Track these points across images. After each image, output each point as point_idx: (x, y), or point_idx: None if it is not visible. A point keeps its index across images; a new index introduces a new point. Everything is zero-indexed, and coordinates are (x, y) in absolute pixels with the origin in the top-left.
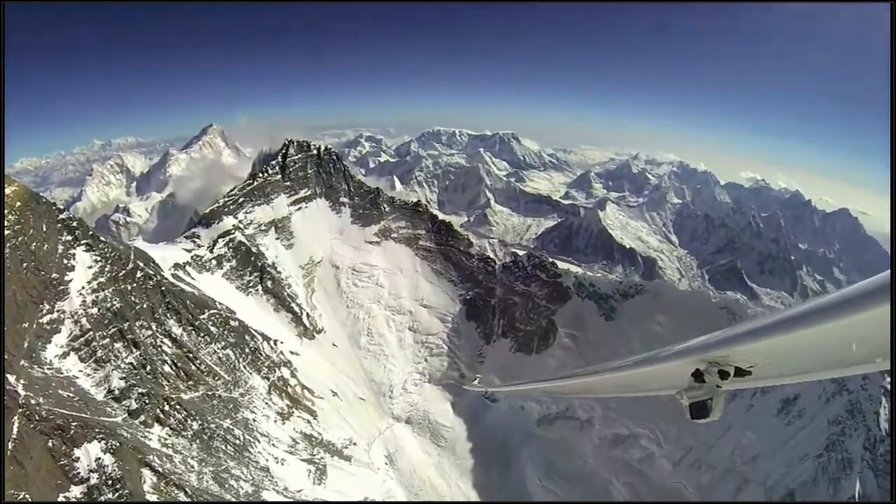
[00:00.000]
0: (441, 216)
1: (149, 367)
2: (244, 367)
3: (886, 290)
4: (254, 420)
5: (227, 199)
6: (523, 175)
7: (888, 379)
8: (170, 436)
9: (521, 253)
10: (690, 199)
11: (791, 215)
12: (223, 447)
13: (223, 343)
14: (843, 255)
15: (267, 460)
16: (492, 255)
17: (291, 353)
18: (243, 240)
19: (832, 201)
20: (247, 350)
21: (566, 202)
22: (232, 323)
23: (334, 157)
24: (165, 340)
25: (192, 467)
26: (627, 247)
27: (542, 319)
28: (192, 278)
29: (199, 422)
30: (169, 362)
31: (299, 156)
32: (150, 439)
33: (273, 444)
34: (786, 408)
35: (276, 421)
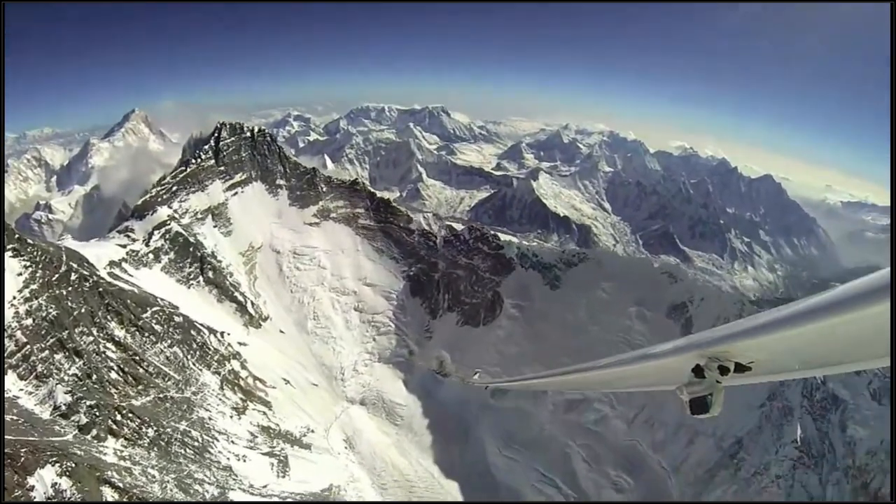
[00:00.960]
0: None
1: (94, 377)
2: (193, 364)
3: (886, 288)
4: (210, 419)
5: (159, 188)
6: (454, 148)
7: None
8: (125, 447)
9: (458, 227)
10: (621, 167)
11: (719, 181)
12: (182, 451)
13: (169, 341)
14: (767, 218)
15: (228, 459)
16: (429, 230)
17: (239, 344)
18: (180, 230)
19: (756, 168)
20: (194, 346)
21: (498, 173)
22: (176, 319)
23: (268, 139)
24: (109, 345)
25: (154, 477)
26: (562, 215)
27: (488, 291)
28: (130, 275)
29: (155, 428)
30: (115, 368)
31: (232, 139)
32: (105, 454)
33: (232, 442)
34: None
35: (231, 417)
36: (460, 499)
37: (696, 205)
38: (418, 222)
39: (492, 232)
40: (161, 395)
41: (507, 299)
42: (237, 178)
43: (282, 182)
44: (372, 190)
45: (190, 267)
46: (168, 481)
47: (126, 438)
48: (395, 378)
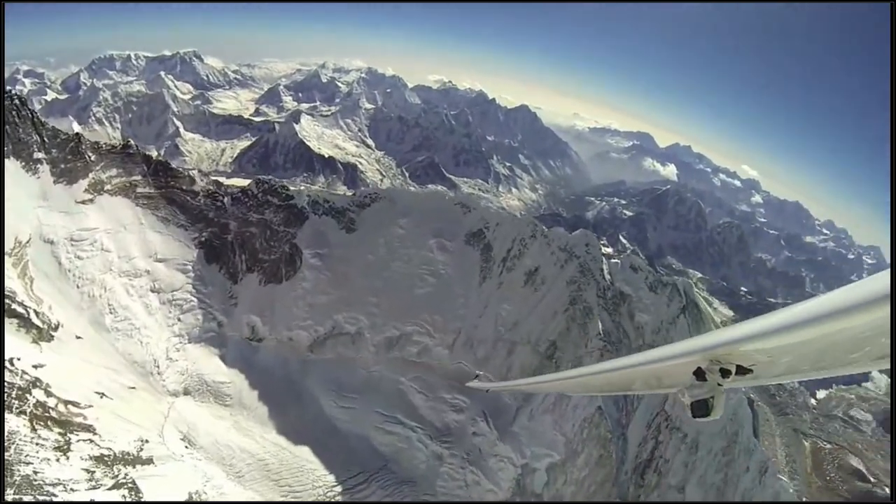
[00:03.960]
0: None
1: None
2: None
3: (886, 294)
4: (35, 472)
5: None
6: (209, 96)
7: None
8: None
9: (223, 180)
10: (382, 103)
11: (478, 112)
12: None
13: None
14: (525, 144)
15: None
16: (214, 189)
17: (35, 367)
18: None
19: (512, 99)
20: None
21: (258, 119)
22: None
23: (17, 102)
24: None
25: None
26: (326, 156)
27: (284, 245)
28: None
29: None
30: None
31: None
32: None
33: (71, 490)
34: (530, 278)
35: (58, 460)
36: (316, 461)
37: (459, 134)
38: (201, 183)
39: (281, 183)
40: None
41: (306, 250)
42: None
43: (41, 155)
44: (147, 153)
45: None
46: None
47: None
48: (210, 356)
